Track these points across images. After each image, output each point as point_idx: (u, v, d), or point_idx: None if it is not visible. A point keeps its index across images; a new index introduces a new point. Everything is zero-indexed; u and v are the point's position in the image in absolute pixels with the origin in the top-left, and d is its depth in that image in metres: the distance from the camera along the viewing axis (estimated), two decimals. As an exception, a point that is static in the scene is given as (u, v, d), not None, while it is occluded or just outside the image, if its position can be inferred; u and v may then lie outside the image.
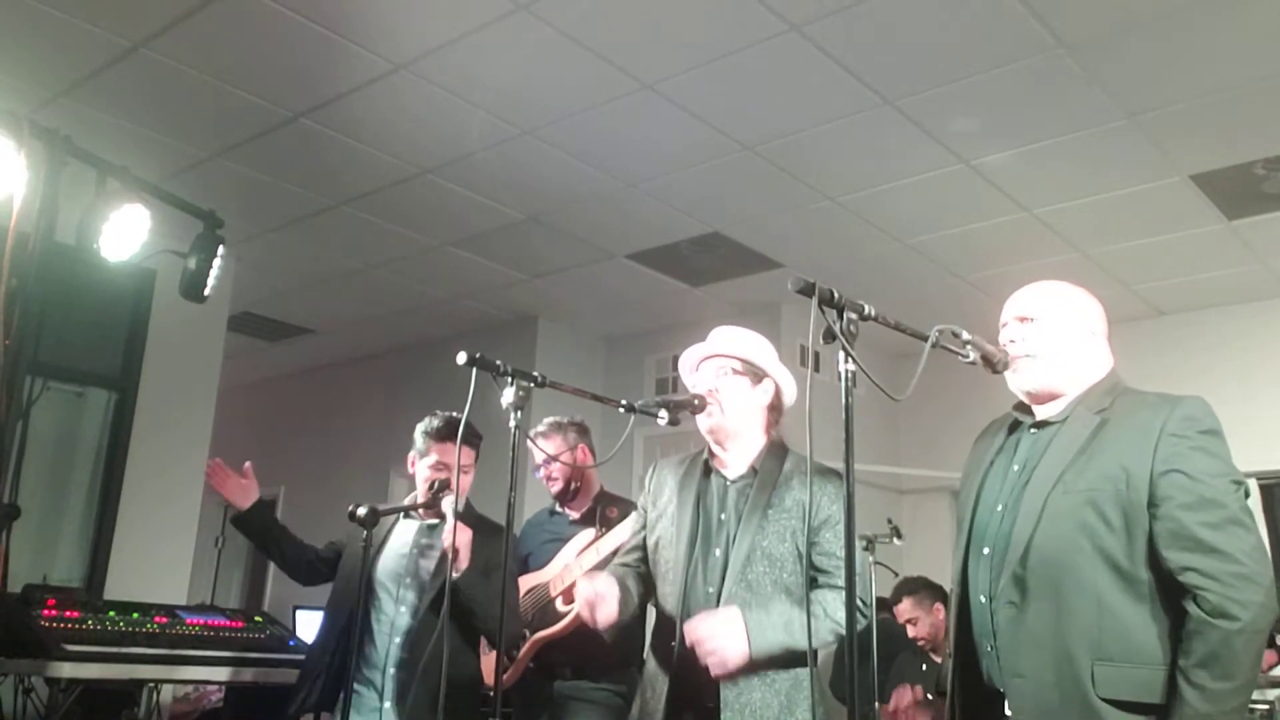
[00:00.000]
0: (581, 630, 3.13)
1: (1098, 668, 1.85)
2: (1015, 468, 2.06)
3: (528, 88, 3.79)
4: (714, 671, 2.20)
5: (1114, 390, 2.06)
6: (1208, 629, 1.78)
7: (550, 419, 3.49)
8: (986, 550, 2.02)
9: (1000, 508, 2.04)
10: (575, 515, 3.40)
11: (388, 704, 2.80)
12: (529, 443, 3.34)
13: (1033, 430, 2.09)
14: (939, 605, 4.40)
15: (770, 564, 2.31)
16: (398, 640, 2.85)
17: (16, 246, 2.33)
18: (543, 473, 3.44)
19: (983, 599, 2.00)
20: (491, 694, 3.31)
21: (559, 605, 3.18)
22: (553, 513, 3.52)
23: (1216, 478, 1.87)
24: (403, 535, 3.03)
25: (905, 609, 4.54)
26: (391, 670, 2.82)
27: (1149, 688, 1.82)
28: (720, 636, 2.18)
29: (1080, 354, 2.08)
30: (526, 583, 3.34)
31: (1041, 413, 2.10)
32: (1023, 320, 2.14)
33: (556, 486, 3.43)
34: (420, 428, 3.07)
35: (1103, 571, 1.89)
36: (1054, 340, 2.08)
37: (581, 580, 2.38)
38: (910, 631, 4.54)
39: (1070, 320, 2.11)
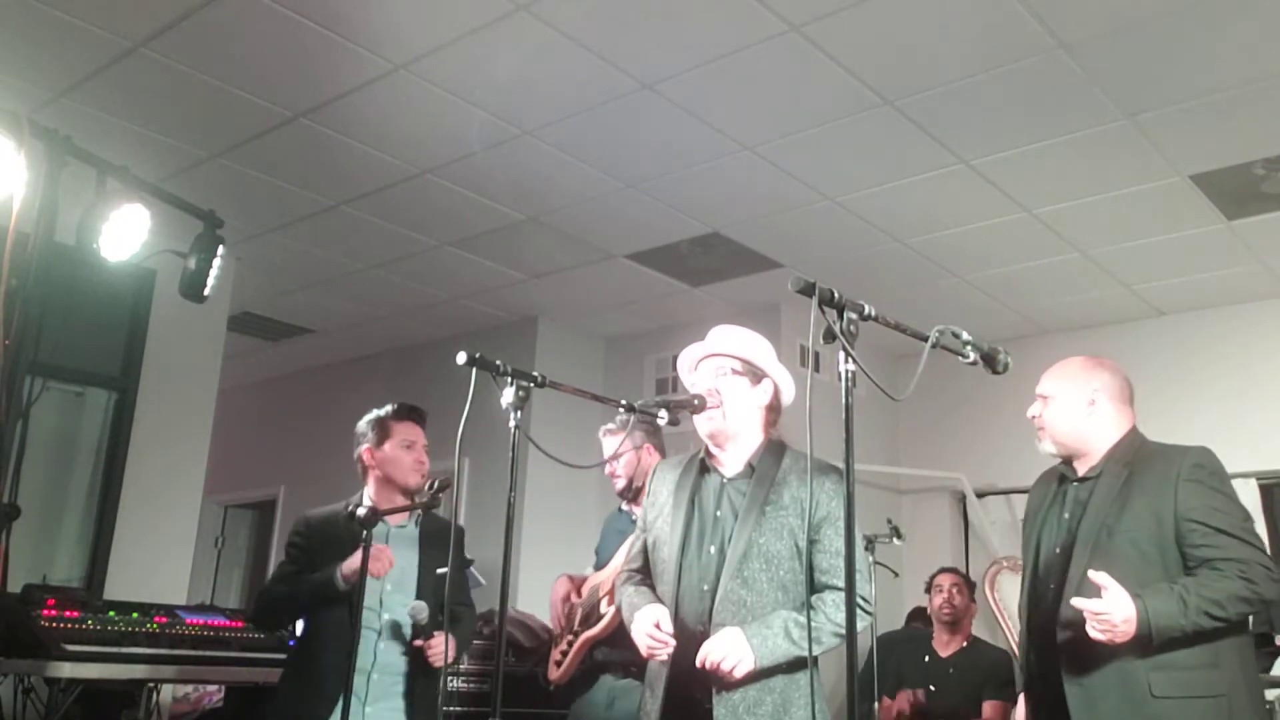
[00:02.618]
0: (626, 629, 3.12)
1: (1153, 674, 2.32)
2: (1065, 515, 2.57)
3: (528, 88, 3.79)
4: (727, 680, 2.21)
5: (1135, 446, 2.55)
6: (1243, 603, 2.29)
7: (622, 416, 3.37)
8: (1052, 586, 2.51)
9: (1058, 550, 2.54)
10: (637, 513, 3.39)
11: (369, 708, 2.80)
12: (600, 438, 3.40)
13: (1075, 484, 2.60)
14: (975, 605, 4.74)
15: (767, 562, 2.31)
16: (383, 645, 2.85)
17: (16, 246, 2.33)
18: (609, 469, 3.44)
19: (1052, 626, 2.46)
20: (553, 687, 3.36)
21: (602, 606, 3.18)
22: (620, 510, 3.52)
23: (1230, 513, 2.39)
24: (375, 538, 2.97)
25: (951, 583, 4.76)
26: (376, 676, 2.82)
27: (1197, 684, 2.32)
28: (728, 656, 2.20)
29: (1084, 422, 2.59)
30: (591, 582, 3.35)
31: (1080, 468, 2.60)
32: (1042, 399, 2.66)
33: (620, 484, 3.43)
34: (388, 413, 3.06)
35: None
36: (1058, 416, 2.61)
37: (640, 620, 2.35)
38: (937, 600, 4.74)
39: (1072, 398, 2.60)
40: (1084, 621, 2.31)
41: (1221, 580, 2.30)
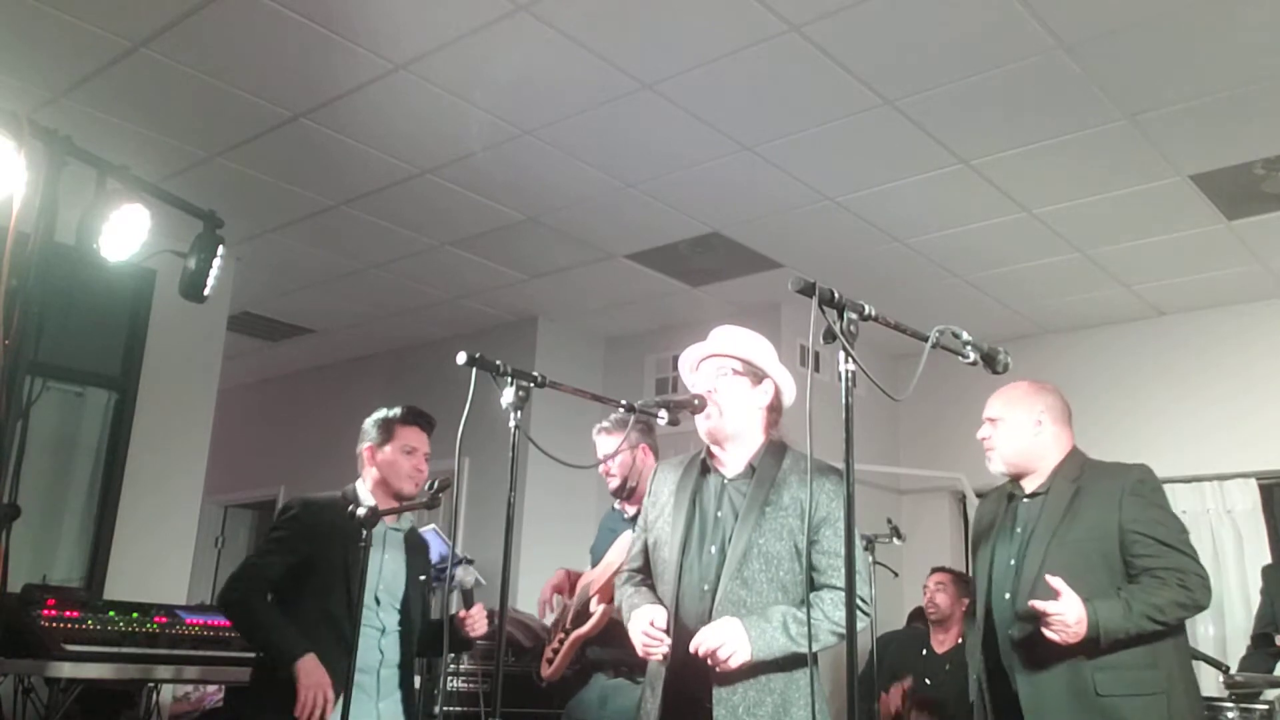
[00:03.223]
0: (618, 627, 3.13)
1: (1098, 674, 2.49)
2: (1018, 530, 2.73)
3: (528, 88, 3.79)
4: (720, 670, 2.22)
5: (1079, 464, 2.74)
6: (1181, 608, 2.49)
7: (615, 415, 3.39)
8: (1007, 595, 2.66)
9: (1012, 562, 2.69)
10: (630, 512, 3.39)
11: (383, 703, 2.87)
12: (594, 438, 3.39)
13: (1025, 500, 2.77)
14: (966, 600, 4.65)
15: (766, 562, 2.31)
16: (386, 641, 2.91)
17: (16, 246, 2.32)
18: (603, 468, 3.43)
19: (1009, 632, 2.62)
20: (544, 684, 3.38)
21: (592, 604, 3.18)
22: (614, 508, 3.52)
23: (1169, 525, 2.60)
24: (375, 539, 2.95)
25: (934, 582, 4.82)
26: (385, 672, 2.90)
27: (1138, 682, 2.49)
28: (724, 644, 2.20)
29: (1031, 442, 2.76)
30: (583, 580, 3.35)
31: (1028, 486, 2.78)
32: (990, 421, 2.83)
33: (614, 483, 3.41)
34: (395, 415, 3.05)
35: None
36: (1007, 437, 2.78)
37: (637, 619, 2.36)
38: (925, 596, 4.81)
39: (1019, 419, 2.78)
40: (1038, 621, 2.47)
41: (1163, 588, 2.50)
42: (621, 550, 3.13)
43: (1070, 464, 2.74)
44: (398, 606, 2.95)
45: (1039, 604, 2.46)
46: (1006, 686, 2.63)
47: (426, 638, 3.12)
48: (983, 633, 2.73)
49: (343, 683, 2.67)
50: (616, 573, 3.07)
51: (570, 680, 3.30)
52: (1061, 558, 2.57)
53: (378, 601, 2.90)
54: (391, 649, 2.91)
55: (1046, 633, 2.46)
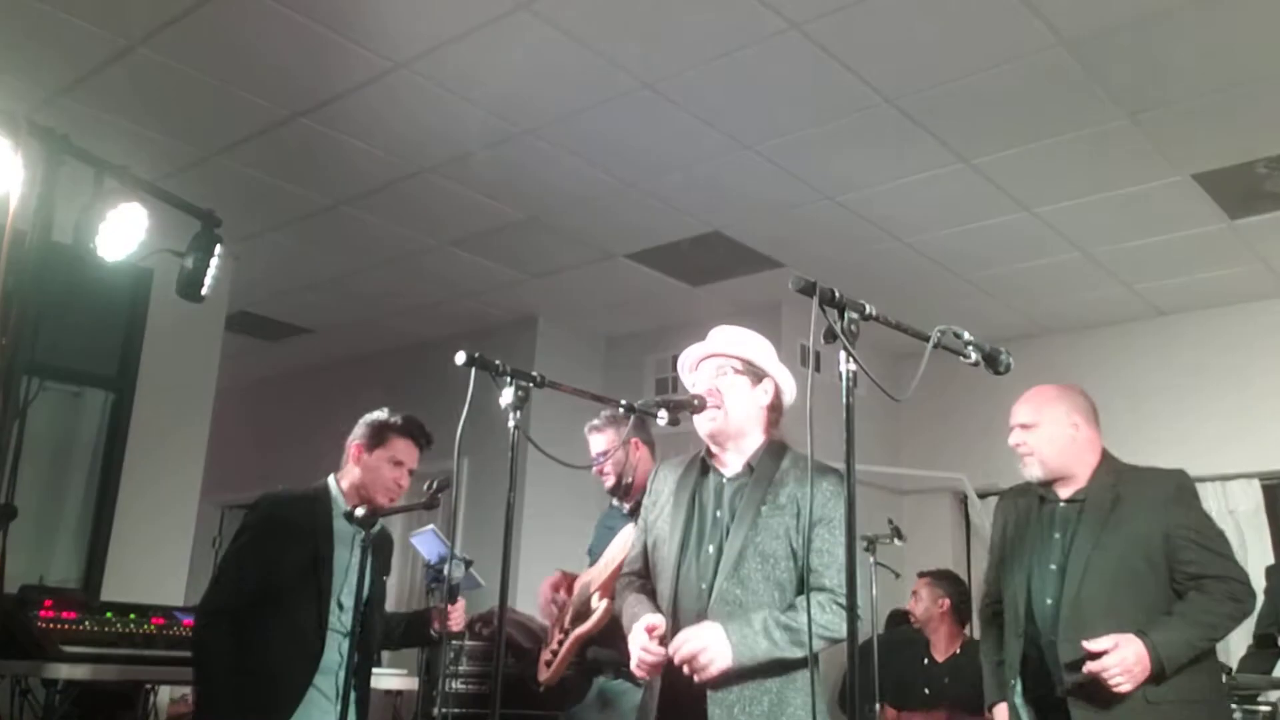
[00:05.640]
0: (618, 625, 3.10)
1: (1147, 683, 2.45)
2: (1056, 535, 2.72)
3: (528, 87, 3.78)
4: (699, 679, 2.21)
5: (1116, 469, 2.74)
6: (1232, 620, 2.54)
7: (606, 412, 3.38)
8: (1049, 601, 2.66)
9: (1053, 567, 2.69)
10: (627, 508, 3.36)
11: (339, 705, 2.83)
12: (587, 436, 3.37)
13: (1063, 505, 2.75)
14: (945, 600, 4.73)
15: (763, 560, 2.31)
16: (345, 644, 2.85)
17: (13, 245, 2.31)
18: (596, 468, 3.40)
19: (1052, 637, 2.63)
20: (541, 688, 3.37)
21: (593, 601, 3.16)
22: (612, 506, 3.49)
23: (1214, 531, 2.66)
24: (341, 539, 2.95)
25: (911, 592, 4.84)
26: (343, 675, 2.84)
27: (1187, 689, 2.49)
28: (704, 650, 2.18)
29: (1069, 447, 2.75)
30: (582, 579, 3.33)
31: (1063, 491, 2.76)
32: (1024, 427, 2.80)
33: (609, 482, 3.38)
34: (394, 422, 3.01)
35: (1139, 606, 2.56)
36: (1046, 442, 2.76)
37: (635, 636, 2.34)
38: (909, 604, 4.85)
39: (1055, 423, 2.76)
40: (1087, 659, 2.47)
41: (1214, 604, 2.53)
42: (622, 545, 3.10)
43: (1106, 468, 2.74)
44: (352, 609, 2.87)
45: (1094, 665, 2.47)
46: (1048, 689, 2.62)
47: (394, 631, 3.15)
48: (1024, 637, 2.71)
49: (301, 695, 2.70)
50: (618, 569, 3.06)
51: (569, 681, 3.28)
52: (1106, 565, 2.58)
53: (340, 605, 2.86)
54: (346, 654, 2.84)
55: (1113, 685, 2.44)
